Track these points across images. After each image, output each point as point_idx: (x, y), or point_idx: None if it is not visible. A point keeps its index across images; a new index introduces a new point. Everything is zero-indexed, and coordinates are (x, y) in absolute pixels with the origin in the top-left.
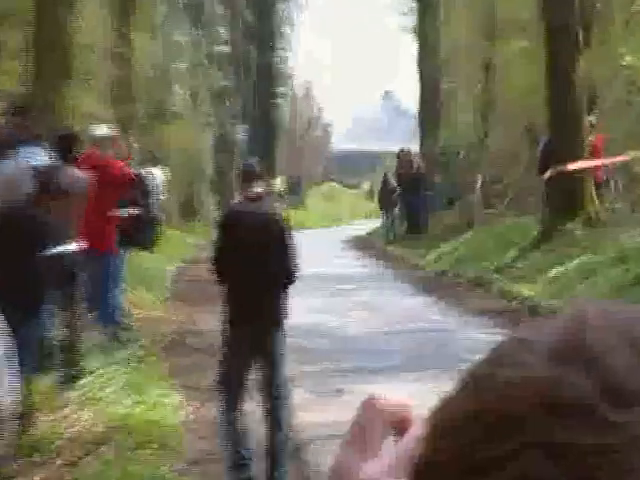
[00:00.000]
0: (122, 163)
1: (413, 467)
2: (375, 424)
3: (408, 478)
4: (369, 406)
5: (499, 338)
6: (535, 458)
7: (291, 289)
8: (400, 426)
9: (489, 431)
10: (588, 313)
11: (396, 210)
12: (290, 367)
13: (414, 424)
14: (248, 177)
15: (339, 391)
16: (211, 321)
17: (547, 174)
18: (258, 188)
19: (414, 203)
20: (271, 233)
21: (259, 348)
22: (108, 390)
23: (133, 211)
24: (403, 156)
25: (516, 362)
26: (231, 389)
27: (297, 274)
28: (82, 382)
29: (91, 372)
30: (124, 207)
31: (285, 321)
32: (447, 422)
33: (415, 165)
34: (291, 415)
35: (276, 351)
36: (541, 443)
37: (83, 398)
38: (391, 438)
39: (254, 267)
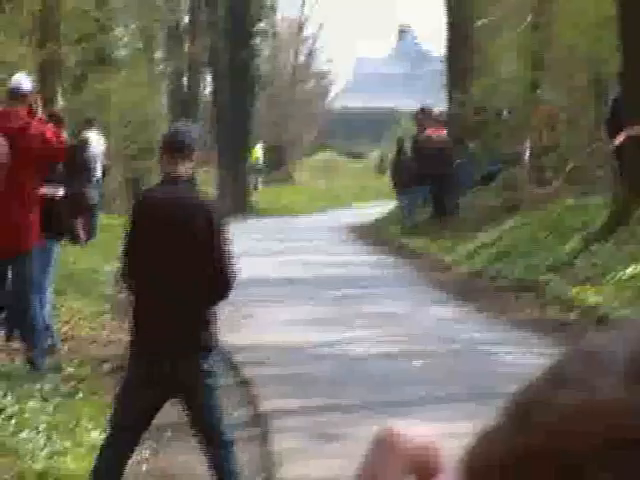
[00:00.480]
0: (50, 125)
1: None
2: (390, 468)
3: None
4: (384, 443)
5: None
6: None
7: (276, 297)
8: (423, 472)
9: (549, 476)
10: None
11: (415, 189)
12: (273, 402)
13: (442, 471)
14: (170, 151)
15: (332, 437)
16: None
17: (619, 139)
18: (183, 167)
19: (440, 179)
20: (196, 228)
21: (174, 383)
22: (23, 435)
23: (61, 191)
24: (423, 117)
25: (583, 383)
26: (120, 434)
27: (231, 284)
28: None
29: (1, 410)
30: (50, 185)
31: (214, 346)
32: (491, 465)
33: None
34: (238, 471)
35: (201, 388)
36: None
37: None
38: None
39: (169, 273)
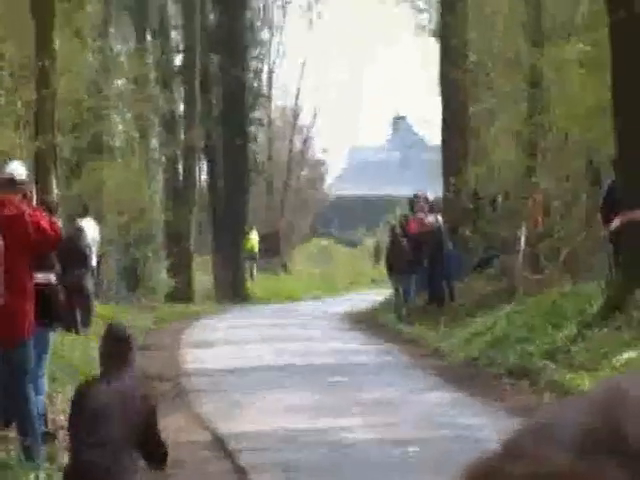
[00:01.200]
0: (45, 214)
1: None
2: None
3: None
4: None
5: None
6: None
7: (271, 384)
8: None
9: None
10: (624, 391)
11: (410, 275)
12: None
13: None
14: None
15: None
16: (162, 432)
17: (614, 225)
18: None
19: (431, 263)
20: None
21: None
22: None
23: (54, 278)
24: (417, 203)
25: (533, 454)
26: None
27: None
28: None
29: None
30: (43, 272)
31: None
32: None
33: (427, 217)
34: None
35: None
36: None
37: None
38: None
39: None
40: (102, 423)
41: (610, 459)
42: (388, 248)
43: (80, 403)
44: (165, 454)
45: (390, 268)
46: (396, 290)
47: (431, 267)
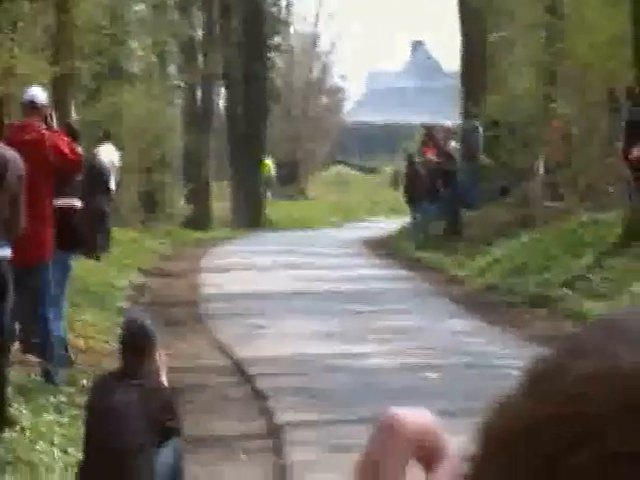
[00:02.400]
0: (65, 137)
1: None
2: (392, 453)
3: None
4: (386, 428)
5: None
6: (623, 474)
7: (290, 310)
8: (426, 457)
9: (565, 442)
10: None
11: (428, 204)
12: (287, 414)
13: (445, 455)
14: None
15: (347, 449)
16: (180, 356)
17: (634, 154)
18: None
19: (450, 193)
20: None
21: None
22: (38, 448)
23: (76, 203)
24: (431, 134)
25: (601, 352)
26: None
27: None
28: (5, 437)
29: (16, 423)
30: (64, 197)
31: None
32: (508, 434)
33: (445, 143)
34: None
35: None
36: (628, 454)
37: (8, 458)
38: (414, 473)
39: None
40: (120, 426)
41: None
42: (406, 176)
43: (97, 401)
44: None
45: (408, 196)
46: (414, 218)
47: (447, 195)
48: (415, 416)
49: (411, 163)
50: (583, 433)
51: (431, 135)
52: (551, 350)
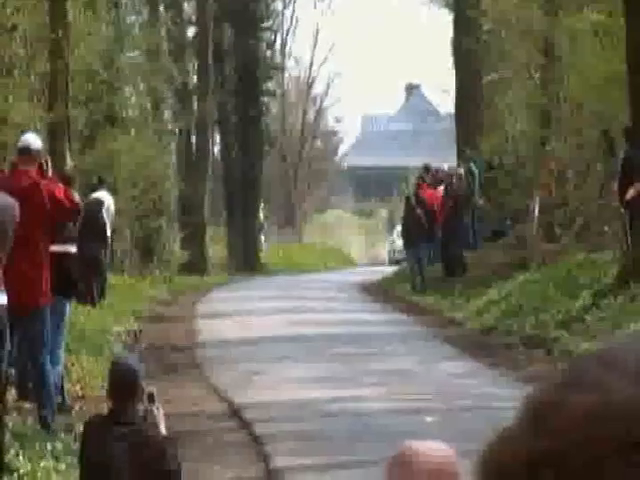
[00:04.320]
0: (60, 184)
1: None
2: None
3: None
4: (403, 461)
5: None
6: None
7: (286, 355)
8: None
9: (562, 477)
10: None
11: (426, 246)
12: (285, 459)
13: None
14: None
15: None
16: (176, 402)
17: (629, 194)
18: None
19: (451, 235)
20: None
21: None
22: None
23: (71, 249)
24: (424, 177)
25: (596, 385)
26: None
27: None
28: None
29: (13, 470)
30: (61, 243)
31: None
32: (508, 468)
33: (454, 183)
34: None
35: None
36: None
37: None
38: None
39: None
40: (113, 475)
41: None
42: (403, 218)
43: (90, 452)
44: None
45: (405, 238)
46: (411, 260)
47: (446, 237)
48: (432, 448)
49: (408, 204)
50: (579, 469)
51: (434, 176)
52: (549, 382)
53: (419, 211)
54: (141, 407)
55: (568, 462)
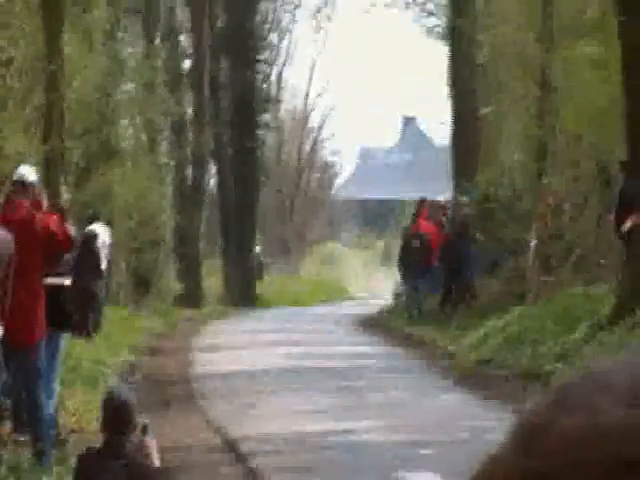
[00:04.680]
0: (55, 217)
1: None
2: None
3: None
4: None
5: None
6: None
7: (282, 387)
8: None
9: None
10: None
11: (423, 278)
12: None
13: None
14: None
15: None
16: (171, 435)
17: (626, 226)
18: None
19: (457, 262)
20: None
21: None
22: None
23: (65, 281)
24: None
25: (586, 406)
26: None
27: None
28: None
29: None
30: (56, 276)
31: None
32: None
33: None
34: None
35: None
36: None
37: None
38: None
39: None
40: None
41: None
42: (401, 250)
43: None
44: None
45: (403, 269)
46: (407, 291)
47: (451, 265)
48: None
49: (406, 236)
50: None
51: (431, 206)
52: (539, 403)
53: (416, 242)
54: (135, 439)
55: None
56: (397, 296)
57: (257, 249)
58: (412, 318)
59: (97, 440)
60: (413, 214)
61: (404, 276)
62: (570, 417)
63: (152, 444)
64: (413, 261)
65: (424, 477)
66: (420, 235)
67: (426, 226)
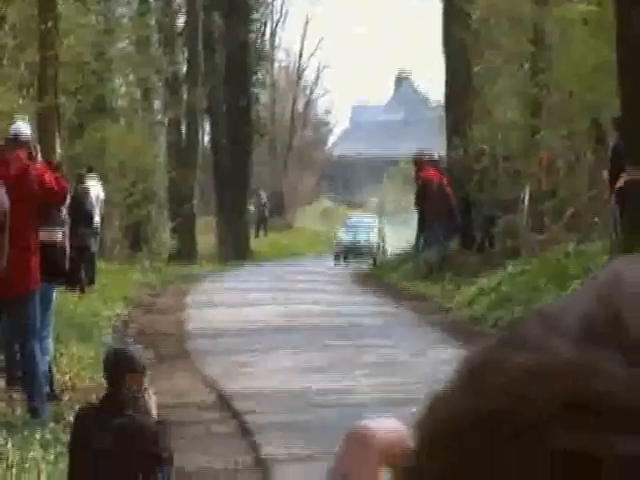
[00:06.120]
0: (51, 171)
1: None
2: (364, 464)
3: None
4: (356, 440)
5: None
6: (561, 472)
7: (275, 345)
8: (397, 466)
9: (499, 438)
10: (626, 276)
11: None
12: (274, 450)
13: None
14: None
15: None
16: (166, 393)
17: (619, 183)
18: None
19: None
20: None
21: None
22: None
23: (58, 235)
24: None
25: (537, 345)
26: None
27: None
28: None
29: (1, 459)
30: (45, 229)
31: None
32: (442, 426)
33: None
34: None
35: None
36: (570, 453)
37: None
38: None
39: None
40: (104, 467)
41: (608, 351)
42: (417, 203)
43: (80, 435)
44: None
45: (420, 223)
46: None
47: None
48: (385, 425)
49: (423, 188)
50: (519, 430)
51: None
52: (488, 342)
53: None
54: (136, 394)
55: (507, 423)
56: (419, 248)
57: (263, 199)
58: (432, 268)
59: (91, 395)
60: (416, 165)
61: (423, 229)
62: (519, 355)
63: (150, 397)
64: (432, 209)
65: (383, 423)
66: (431, 180)
67: (433, 173)
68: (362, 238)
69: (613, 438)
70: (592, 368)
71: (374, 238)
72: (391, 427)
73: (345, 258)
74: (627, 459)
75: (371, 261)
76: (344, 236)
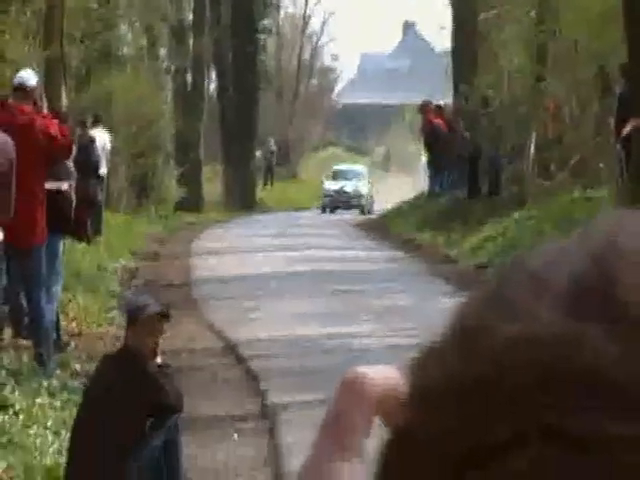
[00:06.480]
0: (55, 121)
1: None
2: (357, 411)
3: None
4: (350, 386)
5: None
6: (541, 450)
7: (282, 292)
8: (390, 414)
9: (491, 405)
10: (621, 239)
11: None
12: (280, 395)
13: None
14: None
15: None
16: (173, 339)
17: (625, 130)
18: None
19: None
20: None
21: None
22: (32, 432)
23: (64, 185)
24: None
25: (525, 311)
26: None
27: None
28: None
29: (8, 407)
30: (51, 180)
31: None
32: (435, 385)
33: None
34: None
35: None
36: (550, 430)
37: (1, 441)
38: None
39: None
40: (113, 412)
41: (601, 324)
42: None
43: (93, 381)
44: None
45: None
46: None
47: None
48: (379, 372)
49: (435, 130)
50: (502, 404)
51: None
52: (478, 302)
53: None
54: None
55: (497, 389)
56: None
57: (272, 147)
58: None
59: (98, 343)
60: (424, 110)
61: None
62: (508, 325)
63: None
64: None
65: (378, 370)
66: (438, 126)
67: (439, 121)
68: (350, 188)
69: (599, 416)
70: (581, 342)
71: (364, 188)
72: (388, 375)
73: (332, 210)
74: (613, 438)
75: (360, 213)
76: (331, 186)
